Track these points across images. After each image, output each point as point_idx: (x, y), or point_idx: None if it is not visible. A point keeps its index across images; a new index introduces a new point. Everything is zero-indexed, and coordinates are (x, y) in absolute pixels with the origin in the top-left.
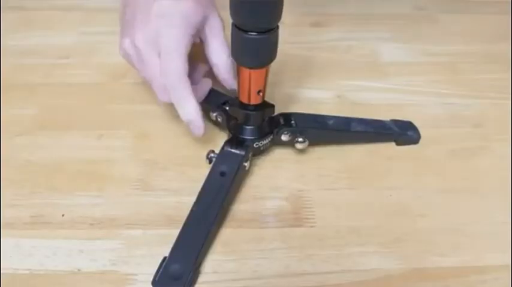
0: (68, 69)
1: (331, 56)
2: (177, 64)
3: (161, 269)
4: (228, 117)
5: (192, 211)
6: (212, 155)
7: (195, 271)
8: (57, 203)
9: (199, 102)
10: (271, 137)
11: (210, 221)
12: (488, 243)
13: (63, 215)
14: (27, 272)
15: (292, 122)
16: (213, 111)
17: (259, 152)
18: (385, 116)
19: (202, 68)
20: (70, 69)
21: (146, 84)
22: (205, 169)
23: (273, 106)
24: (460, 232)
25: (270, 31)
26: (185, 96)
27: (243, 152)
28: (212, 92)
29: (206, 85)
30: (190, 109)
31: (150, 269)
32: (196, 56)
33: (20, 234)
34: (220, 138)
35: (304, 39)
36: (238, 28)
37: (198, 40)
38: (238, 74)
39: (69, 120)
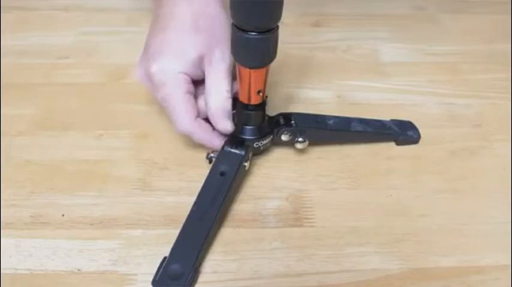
0: (68, 69)
1: (331, 56)
2: (179, 117)
3: (161, 269)
4: None
5: (192, 211)
6: (212, 155)
7: (195, 271)
8: (57, 203)
9: None
10: (271, 137)
11: (210, 221)
12: (488, 243)
13: (63, 215)
14: (27, 272)
15: (292, 122)
16: None
17: (259, 152)
18: (385, 116)
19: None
20: (70, 69)
21: None
22: (205, 169)
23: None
24: (460, 232)
25: (270, 31)
26: (202, 138)
27: (243, 152)
28: None
29: None
30: (212, 143)
31: (150, 269)
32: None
33: (20, 234)
34: None
35: (304, 39)
36: (238, 28)
37: (201, 76)
38: (238, 74)
39: (69, 120)
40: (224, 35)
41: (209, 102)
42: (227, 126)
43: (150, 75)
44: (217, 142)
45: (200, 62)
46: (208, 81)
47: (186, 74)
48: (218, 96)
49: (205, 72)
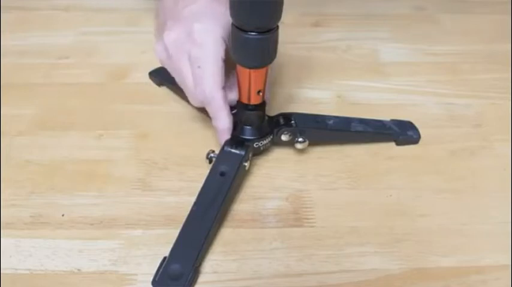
0: (68, 69)
1: (331, 56)
2: (210, 81)
3: (161, 269)
4: None
5: (192, 210)
6: (212, 155)
7: (195, 271)
8: (57, 203)
9: None
10: (271, 137)
11: (210, 221)
12: (488, 243)
13: (63, 215)
14: (27, 272)
15: (292, 122)
16: None
17: (259, 152)
18: (385, 116)
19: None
20: (70, 69)
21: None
22: (205, 169)
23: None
24: (460, 232)
25: (270, 31)
26: (220, 109)
27: (243, 152)
28: None
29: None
30: (224, 121)
31: (150, 269)
32: None
33: (20, 234)
34: None
35: (304, 39)
36: (238, 28)
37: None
38: (238, 74)
39: (69, 120)
40: None
41: None
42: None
43: (192, 33)
44: (227, 122)
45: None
46: None
47: (224, 40)
48: None
49: None
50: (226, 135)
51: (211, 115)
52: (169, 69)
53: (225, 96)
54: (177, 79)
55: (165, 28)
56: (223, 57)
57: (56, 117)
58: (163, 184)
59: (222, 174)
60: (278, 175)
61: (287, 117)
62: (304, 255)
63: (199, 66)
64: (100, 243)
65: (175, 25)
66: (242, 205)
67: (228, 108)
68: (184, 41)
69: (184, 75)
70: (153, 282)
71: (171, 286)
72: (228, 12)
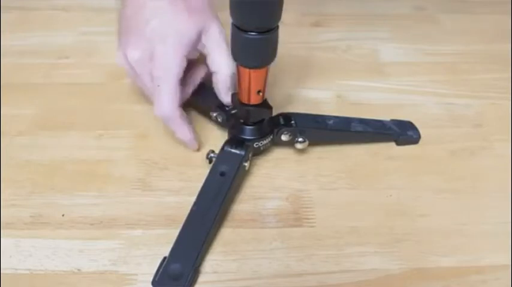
0: (68, 69)
1: (331, 56)
2: (169, 100)
3: (161, 269)
4: (228, 117)
5: (192, 210)
6: (212, 155)
7: (195, 271)
8: (57, 203)
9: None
10: (271, 137)
11: (210, 221)
12: (488, 243)
13: (63, 215)
14: (27, 272)
15: (292, 122)
16: (213, 111)
17: (259, 152)
18: (385, 116)
19: (200, 71)
20: (70, 69)
21: None
22: (205, 169)
23: (270, 108)
24: (460, 232)
25: (270, 31)
26: (179, 125)
27: (243, 152)
28: (212, 92)
29: (200, 72)
30: (184, 134)
31: (150, 269)
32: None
33: (20, 234)
34: (220, 138)
35: (304, 39)
36: (238, 28)
37: (196, 55)
38: (238, 74)
39: (69, 120)
40: (215, 13)
41: (220, 74)
42: (227, 97)
43: (155, 55)
44: (190, 135)
45: (197, 40)
46: (215, 55)
47: (186, 57)
48: (228, 67)
49: (208, 48)
50: (194, 143)
51: (172, 129)
52: (133, 79)
53: (182, 114)
54: (141, 89)
55: (129, 39)
56: (181, 76)
57: (56, 117)
58: (163, 184)
59: (222, 174)
60: (278, 175)
61: (287, 117)
62: (304, 255)
63: (158, 85)
64: (100, 243)
65: (139, 44)
66: (242, 205)
67: (186, 121)
68: (147, 62)
69: (147, 90)
70: (153, 282)
71: (171, 286)
72: (191, 18)
